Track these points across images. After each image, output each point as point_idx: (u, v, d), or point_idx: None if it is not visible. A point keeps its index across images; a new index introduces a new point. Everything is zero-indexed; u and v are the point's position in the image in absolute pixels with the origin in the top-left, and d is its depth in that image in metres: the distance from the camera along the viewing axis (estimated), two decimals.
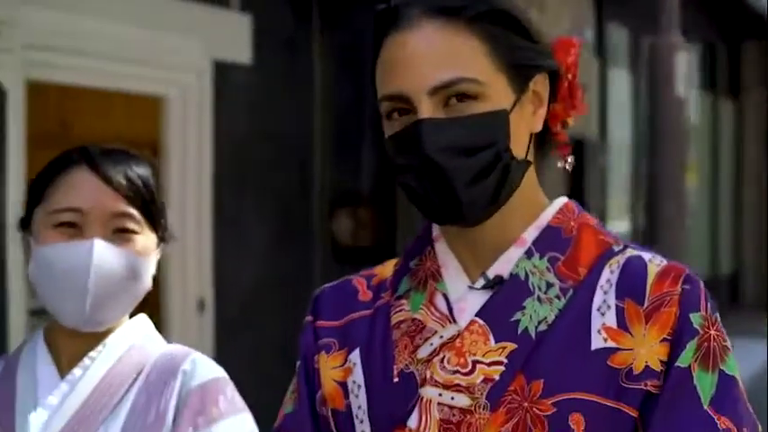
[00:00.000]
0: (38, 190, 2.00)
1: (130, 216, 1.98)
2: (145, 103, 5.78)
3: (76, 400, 1.95)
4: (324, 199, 6.39)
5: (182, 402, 1.96)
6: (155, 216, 2.04)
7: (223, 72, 5.86)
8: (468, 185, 1.54)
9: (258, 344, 5.74)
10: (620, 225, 10.14)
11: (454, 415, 1.55)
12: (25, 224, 2.02)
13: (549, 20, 8.07)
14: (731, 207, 15.44)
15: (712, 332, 1.54)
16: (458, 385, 1.56)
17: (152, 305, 6.01)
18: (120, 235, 1.97)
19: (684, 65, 6.14)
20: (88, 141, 2.07)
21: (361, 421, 1.64)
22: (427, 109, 1.53)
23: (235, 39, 5.92)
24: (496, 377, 1.54)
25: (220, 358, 6.19)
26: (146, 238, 2.02)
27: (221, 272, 5.87)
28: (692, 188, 13.41)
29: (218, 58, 5.82)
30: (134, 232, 1.99)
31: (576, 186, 8.26)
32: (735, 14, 13.87)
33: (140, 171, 2.02)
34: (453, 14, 1.55)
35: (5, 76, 4.61)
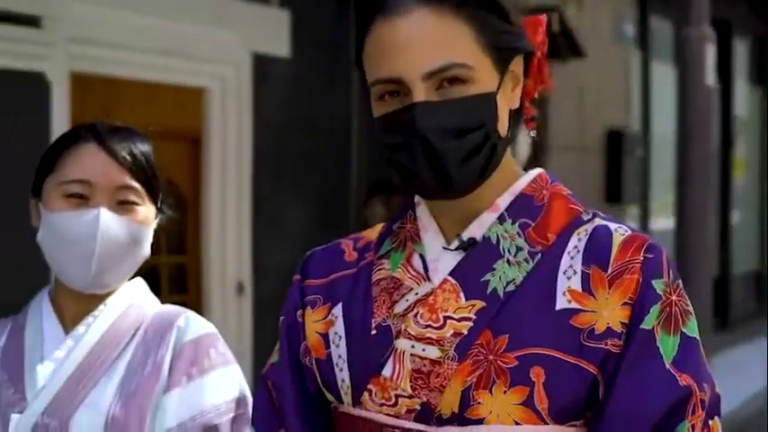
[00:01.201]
0: (49, 161, 2.15)
1: (133, 189, 2.11)
2: (186, 94, 5.88)
3: (80, 353, 2.09)
4: (359, 188, 6.45)
5: (176, 355, 2.10)
6: (155, 189, 2.16)
7: (262, 65, 5.95)
8: (459, 165, 1.62)
9: None
10: (663, 215, 10.13)
11: (425, 365, 1.64)
12: (36, 192, 2.16)
13: (587, 14, 8.16)
14: None
15: (674, 297, 1.62)
16: (429, 338, 1.64)
17: (194, 288, 6.20)
18: (124, 206, 2.10)
19: (713, 56, 6.23)
20: None
21: (341, 369, 1.72)
22: (421, 92, 1.60)
23: (274, 33, 6.00)
24: (465, 332, 1.62)
25: (258, 337, 6.35)
26: (146, 210, 2.14)
27: (259, 256, 5.96)
28: (740, 182, 13.33)
29: (257, 52, 5.91)
30: (136, 203, 2.11)
31: (615, 176, 8.35)
32: None
33: (143, 148, 2.15)
34: (442, 2, 1.62)
35: (50, 68, 4.74)
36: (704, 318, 6.81)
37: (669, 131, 10.70)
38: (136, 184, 2.12)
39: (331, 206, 6.40)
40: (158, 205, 2.20)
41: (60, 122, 4.80)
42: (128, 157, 2.12)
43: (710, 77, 6.24)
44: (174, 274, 5.75)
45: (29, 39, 4.70)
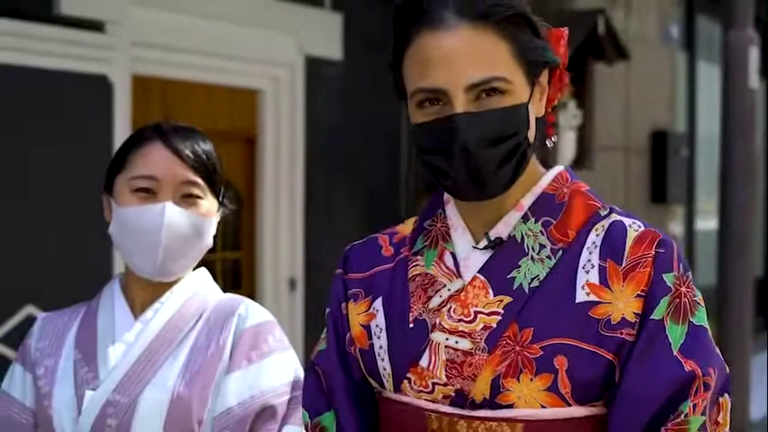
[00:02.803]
0: (119, 160, 2.27)
1: (196, 184, 2.24)
2: (241, 95, 5.97)
3: (148, 336, 2.23)
4: (409, 186, 6.53)
5: (237, 340, 2.23)
6: (216, 184, 2.29)
7: (315, 67, 6.03)
8: (494, 170, 1.73)
9: None
10: (707, 215, 10.10)
11: (458, 356, 1.76)
12: (108, 188, 2.28)
13: (634, 15, 8.21)
14: None
15: (683, 289, 1.73)
16: (461, 331, 1.76)
17: (247, 283, 6.31)
18: (187, 199, 2.22)
19: (757, 59, 6.29)
20: None
21: (383, 359, 1.84)
22: (461, 103, 1.70)
23: (327, 36, 6.08)
24: (494, 325, 1.74)
25: (309, 331, 6.43)
26: (208, 203, 2.27)
27: (311, 253, 6.03)
28: None
29: (310, 54, 5.99)
30: (199, 197, 2.24)
31: (660, 176, 8.38)
32: None
33: (205, 146, 2.28)
34: (483, 18, 1.72)
35: (113, 71, 4.86)
36: (747, 319, 6.84)
37: (714, 132, 10.68)
38: (198, 179, 2.24)
39: (381, 205, 6.47)
40: (220, 199, 2.32)
41: (122, 123, 4.90)
42: (190, 155, 2.24)
43: (754, 80, 6.30)
44: (229, 269, 5.87)
45: (93, 43, 4.82)
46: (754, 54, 6.24)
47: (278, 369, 2.26)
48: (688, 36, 9.88)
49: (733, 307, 6.65)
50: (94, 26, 4.87)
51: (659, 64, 8.86)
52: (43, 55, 4.66)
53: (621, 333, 1.71)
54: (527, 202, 1.83)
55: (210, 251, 2.35)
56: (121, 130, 4.92)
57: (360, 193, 6.37)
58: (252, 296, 6.01)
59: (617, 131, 8.02)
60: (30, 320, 4.34)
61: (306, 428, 1.96)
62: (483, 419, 1.75)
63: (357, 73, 6.30)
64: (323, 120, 6.15)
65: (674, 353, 1.70)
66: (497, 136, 1.72)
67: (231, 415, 2.20)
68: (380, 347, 1.86)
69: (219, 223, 2.36)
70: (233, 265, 5.92)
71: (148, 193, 2.22)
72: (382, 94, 6.60)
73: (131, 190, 2.23)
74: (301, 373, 2.28)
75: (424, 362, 1.79)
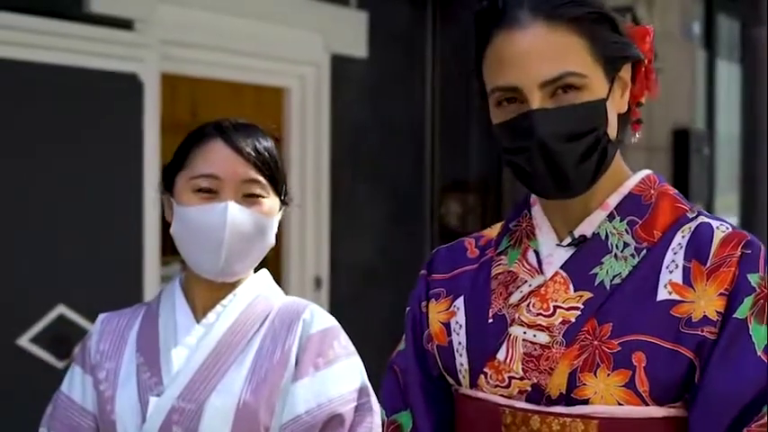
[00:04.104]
0: (179, 158, 2.24)
1: (258, 182, 2.19)
2: (267, 93, 5.99)
3: (211, 340, 2.19)
4: (434, 185, 6.53)
5: (303, 346, 2.19)
6: (278, 182, 2.26)
7: (340, 65, 6.04)
8: (575, 166, 1.75)
9: (370, 318, 5.87)
10: (726, 213, 10.10)
11: (535, 350, 1.78)
12: (168, 187, 2.26)
13: (656, 13, 8.18)
14: None
15: None
16: (540, 325, 1.79)
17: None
18: (250, 198, 2.18)
19: None
20: None
21: (461, 355, 1.87)
22: (537, 100, 1.73)
23: (352, 34, 6.09)
24: (573, 320, 1.77)
25: None
26: (271, 201, 2.23)
27: (337, 252, 6.03)
28: None
29: (335, 53, 6.00)
30: (261, 196, 2.20)
31: (682, 175, 8.35)
32: None
33: (266, 143, 2.25)
34: (556, 17, 1.75)
35: (143, 69, 4.86)
36: None
37: (731, 130, 10.68)
38: (260, 178, 2.21)
39: (407, 203, 6.47)
40: (282, 197, 2.29)
41: (151, 121, 4.89)
42: (252, 152, 2.20)
43: None
44: (255, 267, 5.87)
45: (123, 41, 4.82)
46: None
47: (344, 376, 2.22)
48: (707, 33, 9.87)
49: None
50: (124, 24, 4.87)
51: (681, 62, 8.84)
52: (73, 53, 4.67)
53: (702, 331, 1.71)
54: (613, 201, 1.85)
55: None
56: (151, 129, 4.92)
57: (385, 191, 6.37)
58: None
59: (640, 130, 7.97)
60: (61, 320, 4.35)
61: (383, 424, 2.00)
62: (557, 415, 1.76)
63: (382, 71, 6.32)
64: (348, 118, 6.16)
65: (759, 353, 1.70)
66: (574, 131, 1.74)
67: (299, 423, 2.16)
68: (459, 344, 1.89)
69: None
70: (258, 263, 5.91)
71: (210, 192, 2.19)
72: (407, 92, 6.67)
73: (193, 189, 2.20)
74: (366, 379, 2.26)
75: (501, 355, 1.81)
